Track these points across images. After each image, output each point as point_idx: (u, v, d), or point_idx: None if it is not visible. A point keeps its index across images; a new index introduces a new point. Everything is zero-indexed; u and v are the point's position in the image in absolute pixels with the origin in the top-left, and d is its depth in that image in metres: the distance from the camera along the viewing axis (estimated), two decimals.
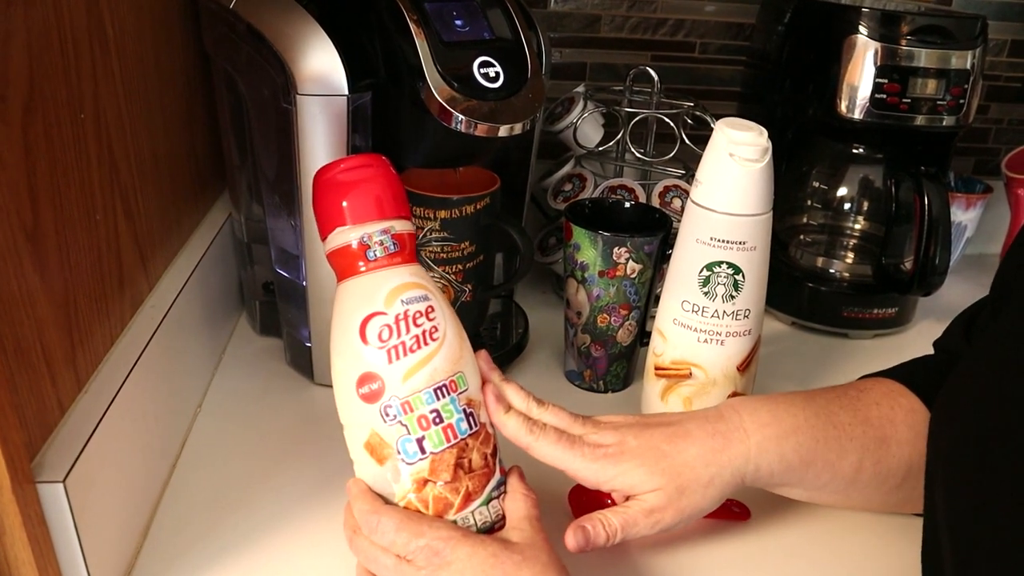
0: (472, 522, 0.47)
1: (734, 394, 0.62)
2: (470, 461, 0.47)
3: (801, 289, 0.83)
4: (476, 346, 0.71)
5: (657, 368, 0.63)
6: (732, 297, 0.58)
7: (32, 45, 0.42)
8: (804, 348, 0.82)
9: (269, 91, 0.59)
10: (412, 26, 0.57)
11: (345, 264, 0.49)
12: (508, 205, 0.76)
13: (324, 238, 0.49)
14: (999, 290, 0.50)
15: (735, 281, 0.58)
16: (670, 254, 0.68)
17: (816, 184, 0.84)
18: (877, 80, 0.72)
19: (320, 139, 0.59)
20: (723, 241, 0.57)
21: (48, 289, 0.44)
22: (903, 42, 0.72)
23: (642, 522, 0.48)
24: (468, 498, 0.47)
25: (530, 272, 0.69)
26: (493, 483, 0.48)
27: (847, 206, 0.85)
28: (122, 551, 0.50)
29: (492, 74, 0.60)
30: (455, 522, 0.46)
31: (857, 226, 0.86)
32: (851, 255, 0.86)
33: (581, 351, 0.70)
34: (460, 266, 0.67)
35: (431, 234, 0.65)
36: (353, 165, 0.50)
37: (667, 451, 0.49)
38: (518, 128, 0.62)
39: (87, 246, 0.49)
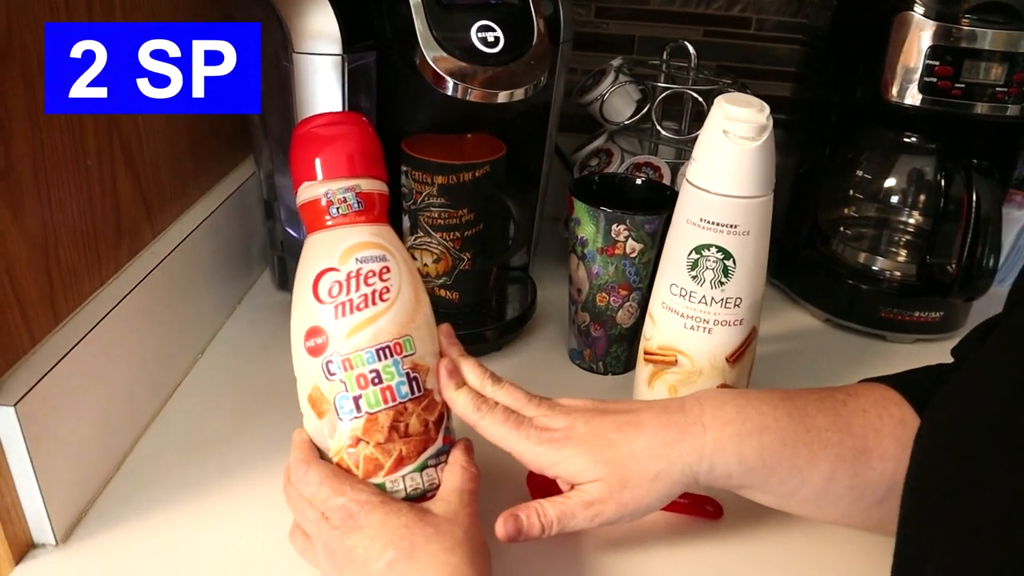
0: (402, 487, 0.47)
1: (723, 387, 0.59)
2: (407, 425, 0.47)
3: (838, 284, 0.77)
4: (478, 316, 0.71)
5: (645, 352, 0.61)
6: (721, 284, 0.55)
7: None
8: (836, 347, 0.77)
9: (272, 49, 0.60)
10: None
11: (311, 218, 0.49)
12: (524, 176, 0.75)
13: (295, 191, 0.50)
14: (1013, 296, 0.45)
15: (725, 267, 0.55)
16: None
17: (862, 174, 0.78)
18: (927, 62, 0.66)
19: (317, 98, 0.60)
20: (713, 223, 0.54)
21: (21, 226, 0.47)
22: (961, 21, 0.65)
23: (580, 514, 0.46)
24: (400, 462, 0.47)
25: (525, 245, 0.68)
26: (431, 451, 0.48)
27: (895, 199, 0.78)
28: (85, 480, 0.53)
29: (491, 39, 0.59)
30: (383, 485, 0.46)
31: (906, 221, 0.80)
32: (896, 252, 0.79)
33: (581, 329, 0.69)
34: (458, 233, 0.66)
35: (429, 199, 0.65)
36: (326, 122, 0.50)
37: (614, 440, 0.47)
38: (519, 94, 0.60)
39: (74, 190, 0.52)
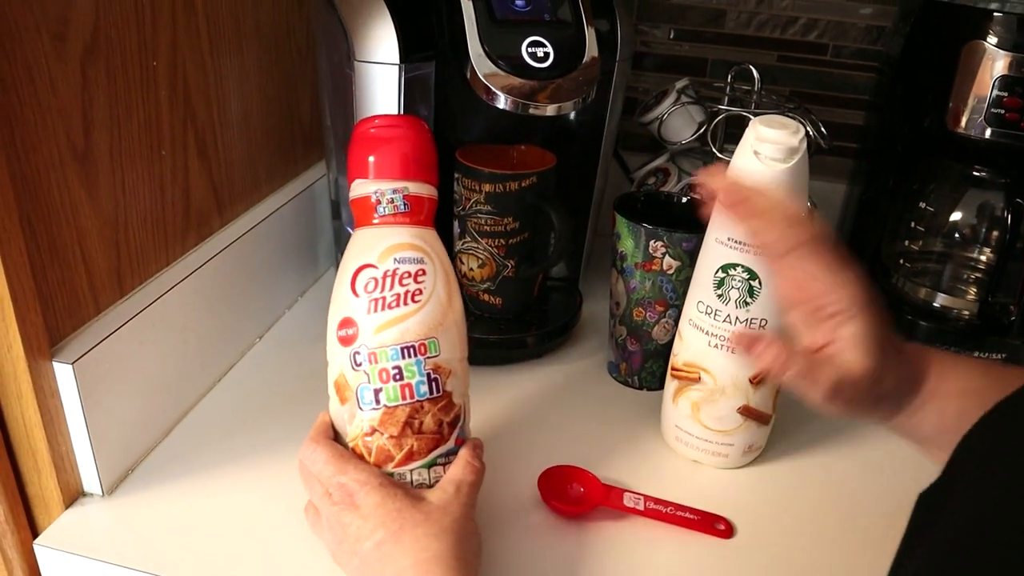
0: (408, 480, 0.49)
1: (745, 408, 0.58)
2: (422, 423, 0.49)
3: (897, 320, 0.75)
4: (520, 322, 0.73)
5: (672, 368, 0.61)
6: (746, 303, 0.55)
7: None
8: None
9: (339, 57, 0.65)
10: (463, 1, 0.60)
11: (360, 214, 0.52)
12: (580, 189, 0.76)
13: (349, 185, 0.53)
14: None
15: (750, 287, 0.55)
16: None
17: (926, 206, 0.75)
18: (996, 93, 0.64)
19: (376, 104, 0.63)
20: (740, 243, 0.54)
21: (94, 204, 0.52)
22: None
23: None
24: (410, 456, 0.49)
25: (565, 256, 0.69)
26: (442, 450, 0.50)
27: (960, 234, 0.75)
28: (134, 440, 0.57)
29: (541, 54, 0.61)
30: (391, 475, 0.49)
31: (970, 257, 0.76)
32: (959, 289, 0.76)
33: (618, 343, 0.69)
34: (503, 240, 0.68)
35: (476, 206, 0.67)
36: (384, 124, 0.52)
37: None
38: (567, 107, 0.62)
39: (146, 176, 0.57)
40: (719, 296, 0.56)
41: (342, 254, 0.80)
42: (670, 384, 0.62)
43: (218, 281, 0.65)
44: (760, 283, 0.54)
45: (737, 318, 0.56)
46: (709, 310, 0.57)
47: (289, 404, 0.65)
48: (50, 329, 0.50)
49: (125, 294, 0.57)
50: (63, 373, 0.50)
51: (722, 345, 0.57)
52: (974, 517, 0.33)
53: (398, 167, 0.51)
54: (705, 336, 0.57)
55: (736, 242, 0.54)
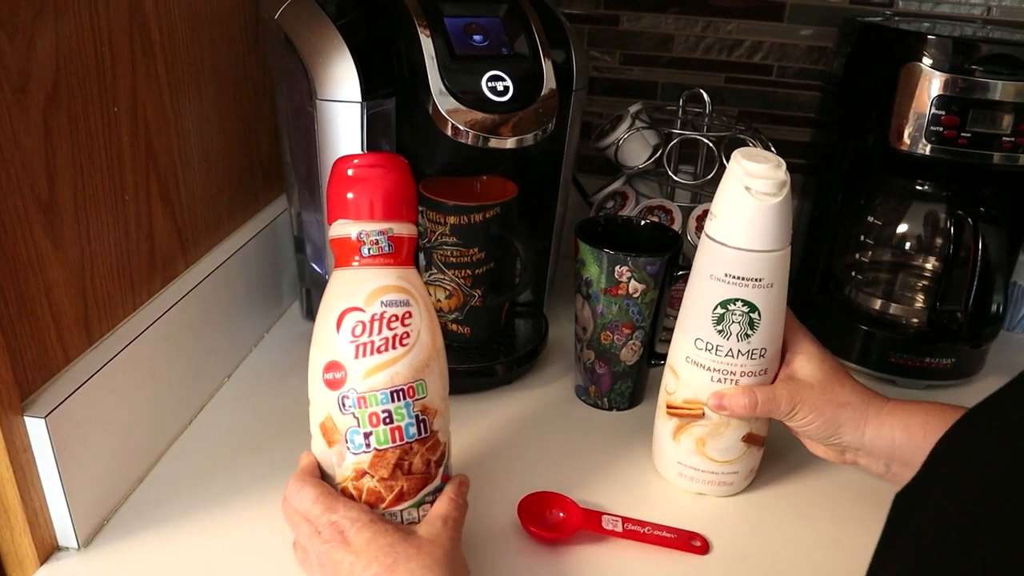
0: (399, 519, 0.49)
1: (749, 435, 0.59)
2: (411, 464, 0.49)
3: (850, 330, 0.78)
4: (489, 350, 0.74)
5: (669, 407, 0.61)
6: (747, 336, 0.56)
7: (60, 48, 0.50)
8: None
9: (300, 96, 0.65)
10: (423, 39, 0.61)
11: (341, 254, 0.51)
12: (542, 216, 0.78)
13: (330, 224, 0.51)
14: None
15: (751, 319, 0.55)
16: (680, 275, 0.67)
17: (874, 220, 0.79)
18: (934, 111, 0.67)
19: (339, 141, 0.64)
20: (738, 278, 0.55)
21: (61, 254, 0.52)
22: (969, 71, 0.66)
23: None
24: (400, 497, 0.49)
25: (532, 284, 0.70)
26: (430, 488, 0.50)
27: (907, 246, 0.79)
28: (108, 490, 0.57)
29: (501, 88, 0.62)
30: (382, 515, 0.49)
31: (917, 268, 0.80)
32: (907, 298, 0.79)
33: (587, 367, 0.71)
34: (469, 271, 0.69)
35: (442, 238, 0.68)
36: (367, 163, 0.51)
37: None
38: (528, 140, 0.64)
39: (111, 222, 0.57)
40: (719, 332, 0.56)
41: (305, 289, 0.81)
42: (667, 422, 0.62)
43: (185, 323, 0.64)
44: (759, 314, 0.55)
45: (739, 351, 0.56)
46: (709, 346, 0.57)
47: (262, 443, 0.65)
48: (20, 383, 0.49)
49: (94, 342, 0.56)
50: (35, 428, 0.49)
51: (726, 379, 0.57)
52: (956, 516, 0.34)
53: (382, 208, 0.50)
54: (707, 372, 0.58)
55: (735, 277, 0.55)
